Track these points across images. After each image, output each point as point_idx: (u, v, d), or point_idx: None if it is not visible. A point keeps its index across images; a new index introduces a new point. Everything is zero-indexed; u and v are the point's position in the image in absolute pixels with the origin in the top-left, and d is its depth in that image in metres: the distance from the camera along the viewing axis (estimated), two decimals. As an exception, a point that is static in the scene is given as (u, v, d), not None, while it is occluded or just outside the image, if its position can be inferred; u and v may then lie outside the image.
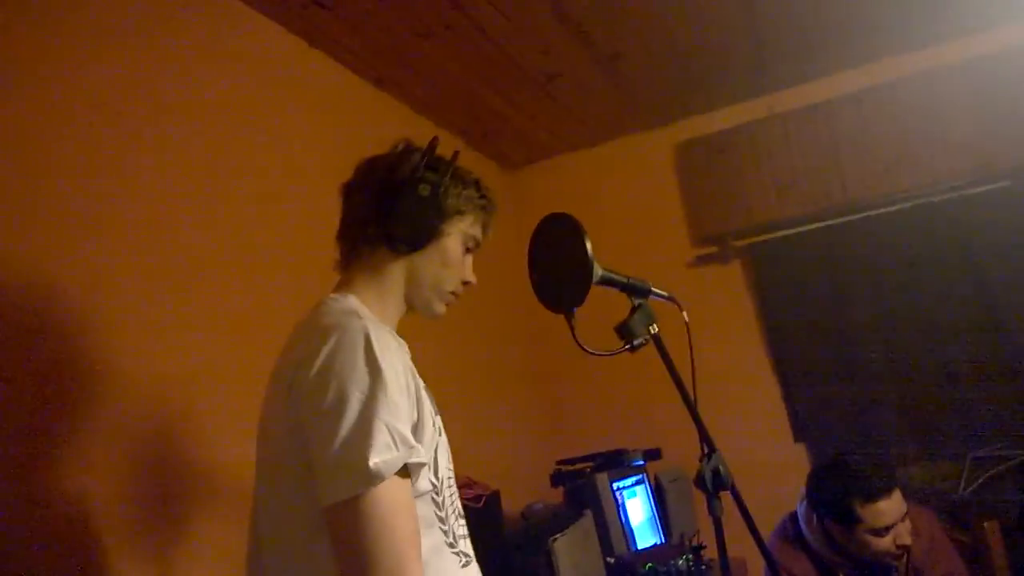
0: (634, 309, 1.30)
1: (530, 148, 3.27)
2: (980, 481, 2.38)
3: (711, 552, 2.17)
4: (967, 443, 2.49)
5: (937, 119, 2.65)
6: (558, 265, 1.28)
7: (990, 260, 2.57)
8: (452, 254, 1.19)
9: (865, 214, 2.77)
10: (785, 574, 2.00)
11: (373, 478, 0.91)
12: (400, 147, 1.20)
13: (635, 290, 1.31)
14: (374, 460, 0.90)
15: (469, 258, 1.24)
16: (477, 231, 1.23)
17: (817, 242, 2.84)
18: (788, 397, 2.88)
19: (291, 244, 1.94)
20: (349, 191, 1.20)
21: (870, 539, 1.82)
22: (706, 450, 1.26)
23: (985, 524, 1.99)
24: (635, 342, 1.26)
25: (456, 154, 1.21)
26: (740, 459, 1.72)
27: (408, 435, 0.96)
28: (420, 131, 2.77)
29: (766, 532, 2.10)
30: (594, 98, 2.87)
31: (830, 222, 2.83)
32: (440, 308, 1.21)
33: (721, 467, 1.24)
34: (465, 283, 1.23)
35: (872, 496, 1.79)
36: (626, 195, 3.26)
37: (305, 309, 1.14)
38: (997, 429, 2.48)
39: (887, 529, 1.80)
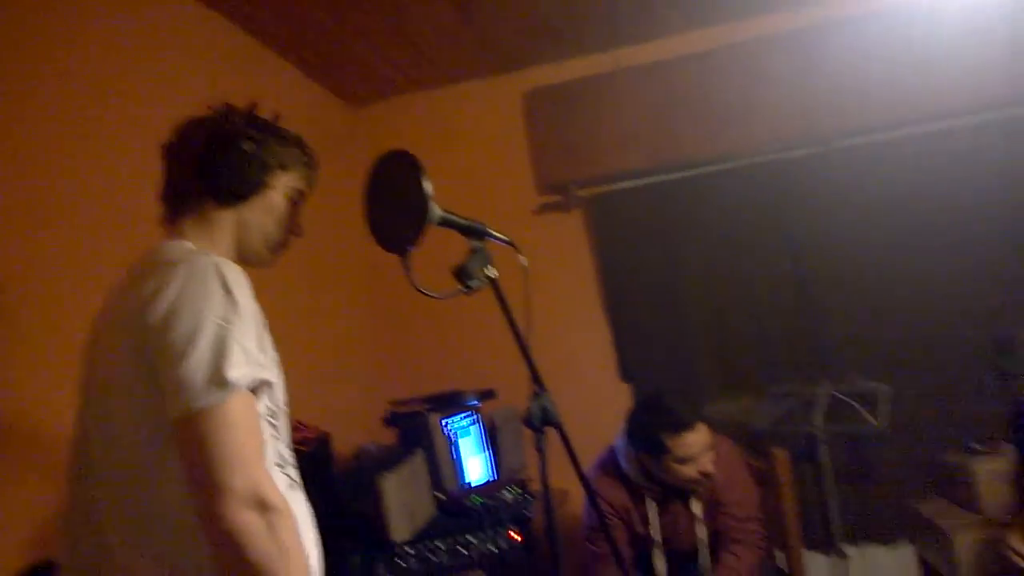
0: (472, 252, 1.31)
1: (377, 84, 3.16)
2: (776, 414, 2.67)
3: (538, 485, 2.30)
4: (767, 380, 2.78)
5: (763, 84, 2.84)
6: (395, 204, 1.26)
7: (800, 218, 2.83)
8: (277, 206, 1.24)
9: (695, 171, 2.95)
10: (602, 501, 2.17)
11: (229, 389, 0.97)
12: (222, 109, 1.23)
13: (473, 232, 1.32)
14: (230, 373, 0.97)
15: (296, 211, 1.28)
16: (302, 185, 1.28)
17: (652, 195, 3.00)
18: (618, 341, 3.06)
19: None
20: (172, 151, 1.22)
21: (677, 467, 2.01)
22: (536, 389, 1.32)
23: (775, 452, 2.24)
24: (471, 284, 1.28)
25: (277, 117, 1.28)
26: (570, 398, 1.83)
27: (259, 356, 1.04)
28: (261, 62, 2.62)
29: (591, 465, 2.27)
30: (445, 37, 2.81)
31: (664, 177, 2.98)
32: (268, 257, 1.26)
33: (548, 405, 1.30)
34: (292, 234, 1.27)
35: (679, 429, 1.98)
36: (474, 139, 3.25)
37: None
38: (792, 368, 2.79)
39: (692, 459, 2.00)
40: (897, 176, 2.73)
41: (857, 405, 2.49)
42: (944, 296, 2.64)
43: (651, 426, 2.04)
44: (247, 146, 1.18)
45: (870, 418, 2.42)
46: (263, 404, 1.07)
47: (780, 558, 2.29)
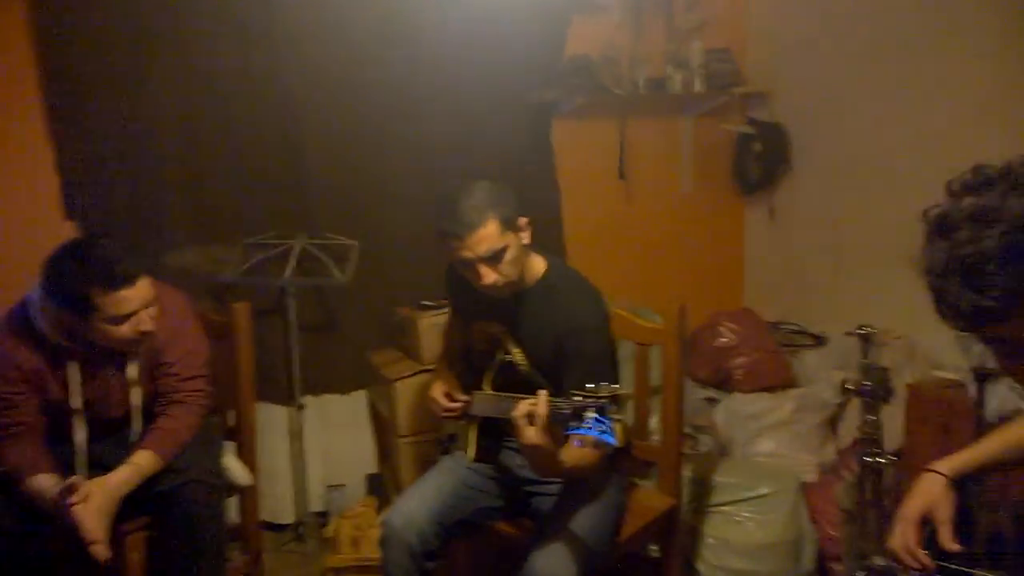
0: None
1: None
2: (248, 265, 2.50)
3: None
4: (242, 231, 2.57)
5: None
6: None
7: (292, 67, 2.59)
8: None
9: None
10: (10, 364, 1.73)
11: None
12: None
13: None
14: None
15: None
16: None
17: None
18: (62, 167, 2.46)
19: None
20: None
21: (108, 328, 1.67)
22: None
23: (235, 305, 2.08)
24: None
25: None
26: None
27: None
28: None
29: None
30: None
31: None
32: None
33: None
34: None
35: (112, 285, 1.63)
36: None
37: None
38: (272, 221, 2.63)
39: (127, 317, 1.68)
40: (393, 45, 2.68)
41: (327, 259, 2.47)
42: (415, 160, 2.74)
43: (76, 279, 1.63)
44: None
45: (337, 272, 2.43)
46: None
47: (232, 416, 2.17)
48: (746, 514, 2.24)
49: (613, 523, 1.73)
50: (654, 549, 2.14)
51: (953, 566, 1.00)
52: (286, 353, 2.59)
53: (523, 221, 1.64)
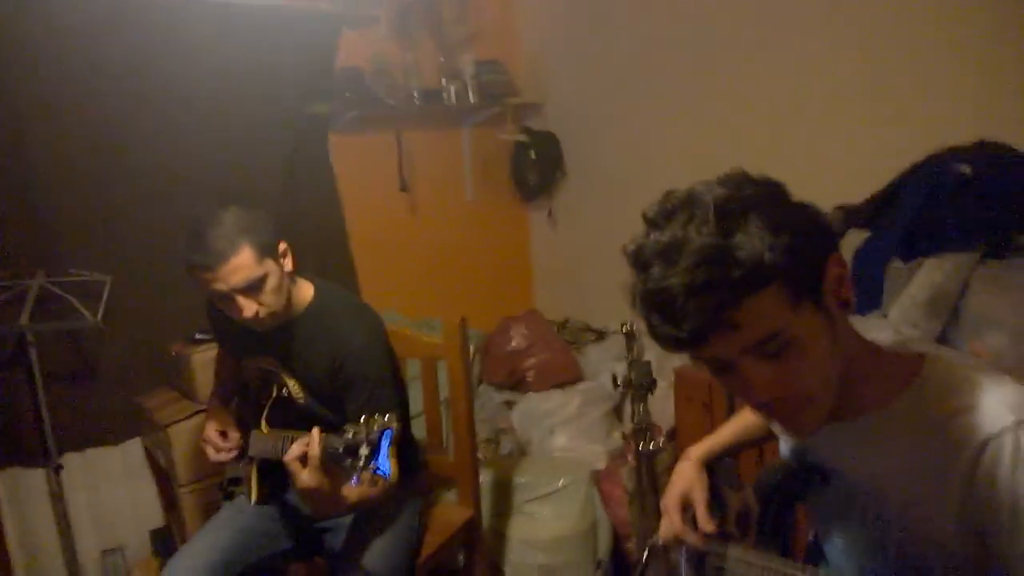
0: None
1: None
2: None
3: None
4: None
5: None
6: None
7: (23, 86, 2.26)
8: None
9: None
10: None
11: None
12: None
13: None
14: None
15: None
16: None
17: None
18: None
19: None
20: None
21: None
22: None
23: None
24: None
25: None
26: None
27: None
28: None
29: None
30: None
31: None
32: None
33: None
34: None
35: None
36: None
37: None
38: (4, 259, 2.29)
39: None
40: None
41: (72, 298, 2.20)
42: (171, 187, 2.52)
43: None
44: None
45: (85, 312, 2.17)
46: None
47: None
48: (545, 510, 2.32)
49: (409, 547, 1.70)
50: (461, 559, 2.15)
51: (712, 546, 1.09)
52: (35, 407, 2.27)
53: (283, 247, 1.56)
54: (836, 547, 0.96)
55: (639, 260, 0.79)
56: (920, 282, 1.84)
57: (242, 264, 1.44)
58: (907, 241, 1.92)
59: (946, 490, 0.77)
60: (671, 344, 0.78)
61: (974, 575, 0.78)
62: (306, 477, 1.25)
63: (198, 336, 2.39)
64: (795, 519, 1.05)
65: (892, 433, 0.83)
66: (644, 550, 2.04)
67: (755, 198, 0.76)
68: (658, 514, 2.03)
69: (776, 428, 0.97)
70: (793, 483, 0.96)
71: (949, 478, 0.76)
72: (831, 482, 0.93)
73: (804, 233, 0.76)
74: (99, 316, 2.19)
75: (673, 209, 0.77)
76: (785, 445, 1.06)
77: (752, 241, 0.73)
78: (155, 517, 2.64)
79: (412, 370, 2.07)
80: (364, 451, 1.19)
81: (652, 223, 0.79)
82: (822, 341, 0.78)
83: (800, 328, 0.76)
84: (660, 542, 1.99)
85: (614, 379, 1.91)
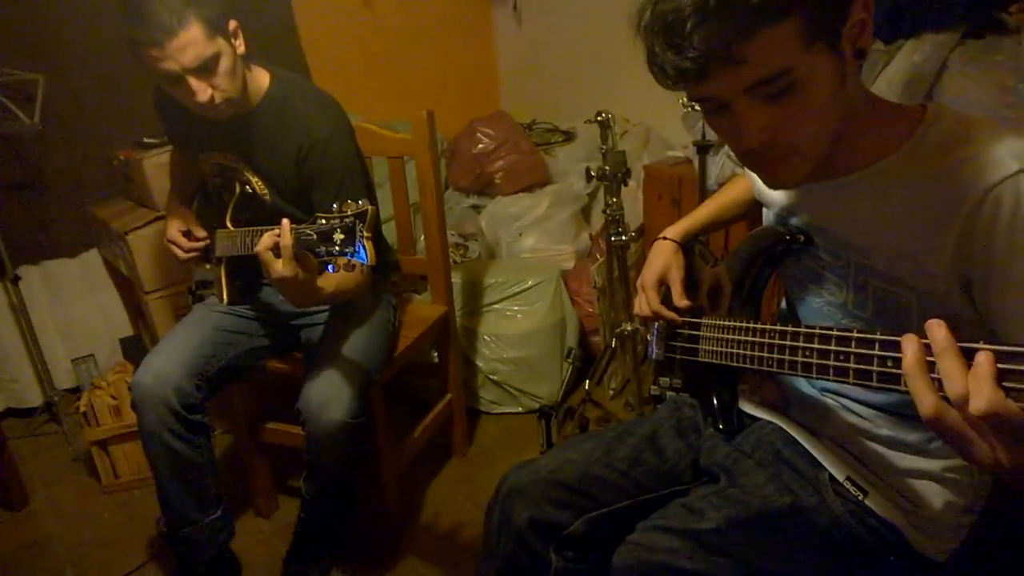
0: None
1: None
2: None
3: None
4: None
5: None
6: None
7: None
8: None
9: None
10: None
11: None
12: None
13: None
14: None
15: None
16: None
17: None
18: None
19: None
20: None
21: None
22: None
23: None
24: None
25: None
26: None
27: None
28: None
29: None
30: None
31: None
32: None
33: None
34: None
35: None
36: None
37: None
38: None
39: None
40: None
41: (4, 99, 2.03)
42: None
43: None
44: None
45: (20, 113, 2.01)
46: None
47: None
48: (515, 308, 2.38)
49: (385, 341, 1.73)
50: (435, 356, 2.22)
51: (686, 319, 1.12)
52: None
53: (233, 25, 1.42)
54: (811, 307, 0.99)
55: None
56: (899, 63, 1.79)
57: (192, 39, 1.31)
58: (889, 22, 1.84)
59: (943, 239, 0.76)
60: (671, 76, 0.74)
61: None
62: (279, 267, 1.22)
63: (147, 140, 2.25)
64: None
65: (889, 185, 0.81)
66: (613, 339, 2.14)
67: None
68: (627, 305, 2.10)
69: (757, 179, 0.95)
70: (775, 245, 0.97)
71: (948, 227, 0.75)
72: (815, 241, 0.94)
73: None
74: (35, 119, 2.04)
75: None
76: (769, 212, 1.05)
77: None
78: (124, 327, 2.64)
79: (379, 174, 2.00)
80: (339, 236, 1.16)
81: None
82: (827, 88, 0.74)
83: (809, 70, 0.72)
84: (631, 327, 2.07)
85: (588, 172, 1.89)
